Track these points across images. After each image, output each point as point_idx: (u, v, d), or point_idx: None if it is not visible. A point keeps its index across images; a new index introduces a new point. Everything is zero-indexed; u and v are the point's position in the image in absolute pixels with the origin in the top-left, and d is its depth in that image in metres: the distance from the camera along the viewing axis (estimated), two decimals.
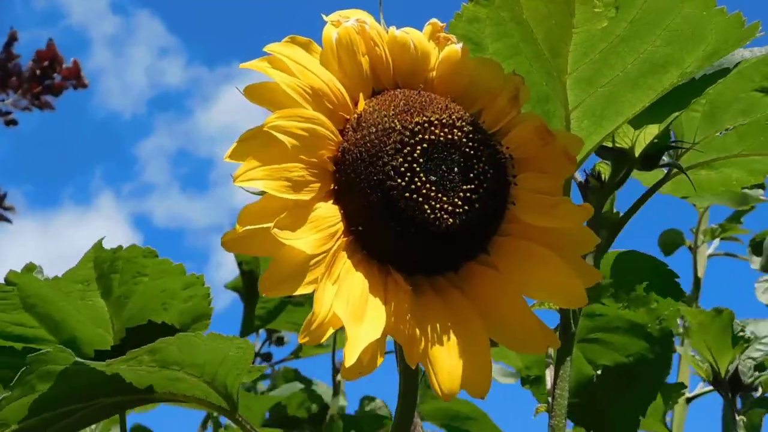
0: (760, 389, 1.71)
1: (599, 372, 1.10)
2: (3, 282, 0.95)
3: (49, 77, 6.11)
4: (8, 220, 6.20)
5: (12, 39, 6.11)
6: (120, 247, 0.93)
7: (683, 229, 2.52)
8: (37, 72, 6.09)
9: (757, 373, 1.69)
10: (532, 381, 1.23)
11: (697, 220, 2.49)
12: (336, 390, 2.35)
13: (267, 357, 2.66)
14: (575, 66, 0.80)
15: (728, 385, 1.69)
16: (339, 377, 2.37)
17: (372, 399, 2.44)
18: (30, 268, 0.93)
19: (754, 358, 1.72)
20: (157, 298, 0.93)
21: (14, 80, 6.00)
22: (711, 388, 1.79)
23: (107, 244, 0.92)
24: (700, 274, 2.44)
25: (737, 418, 1.67)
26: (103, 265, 0.92)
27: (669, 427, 1.84)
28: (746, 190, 2.29)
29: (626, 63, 0.79)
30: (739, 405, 1.71)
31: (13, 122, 6.14)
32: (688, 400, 2.26)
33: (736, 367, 1.68)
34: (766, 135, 0.92)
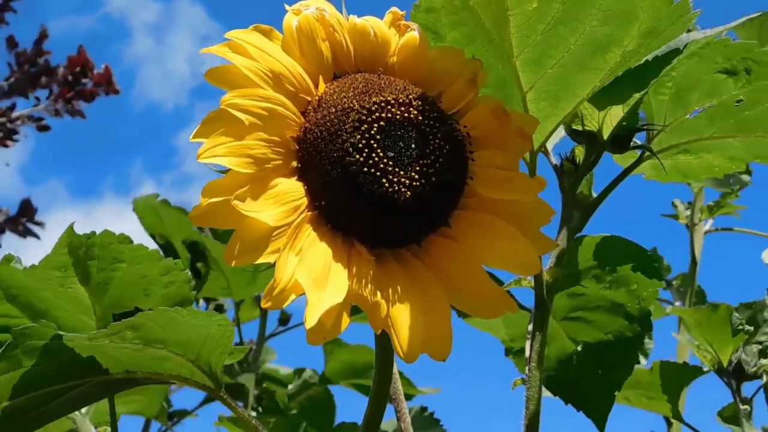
0: (765, 377, 1.73)
1: (579, 348, 1.13)
2: None
3: (80, 83, 6.17)
4: (36, 236, 6.26)
5: (42, 36, 6.16)
6: (93, 233, 0.95)
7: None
8: (69, 78, 6.15)
9: (762, 362, 1.71)
10: (515, 352, 1.28)
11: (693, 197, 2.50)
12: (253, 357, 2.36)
13: None
14: (521, 48, 0.83)
15: (732, 375, 1.71)
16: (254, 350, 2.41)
17: (302, 370, 2.49)
18: (8, 258, 0.96)
19: (760, 342, 1.74)
20: (137, 284, 0.96)
21: (44, 79, 6.06)
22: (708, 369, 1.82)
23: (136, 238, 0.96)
24: (697, 253, 2.45)
25: (741, 407, 1.69)
26: (78, 251, 0.95)
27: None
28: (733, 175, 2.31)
29: (569, 43, 0.83)
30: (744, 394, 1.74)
31: (46, 128, 6.20)
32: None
33: (739, 358, 1.70)
34: (736, 117, 0.96)
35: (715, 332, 1.67)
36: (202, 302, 2.46)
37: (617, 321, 1.13)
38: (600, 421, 1.15)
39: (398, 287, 0.76)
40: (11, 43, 6.15)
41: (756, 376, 1.72)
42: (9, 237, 6.22)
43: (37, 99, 6.13)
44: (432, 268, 0.79)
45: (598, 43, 0.83)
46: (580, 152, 1.02)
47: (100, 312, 0.97)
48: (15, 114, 6.04)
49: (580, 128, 1.00)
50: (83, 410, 1.07)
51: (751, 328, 1.71)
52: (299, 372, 2.47)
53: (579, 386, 1.14)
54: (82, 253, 0.95)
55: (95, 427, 1.07)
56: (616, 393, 1.12)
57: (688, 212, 2.47)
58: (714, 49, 0.96)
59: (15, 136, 6.05)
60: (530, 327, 1.19)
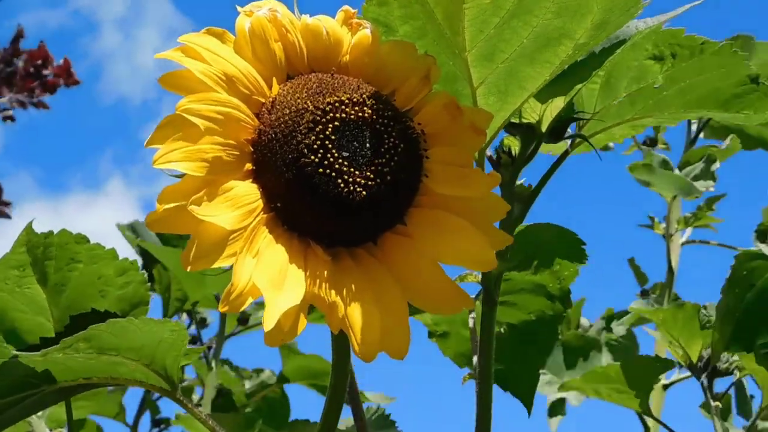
0: (737, 374, 1.76)
1: (503, 330, 1.15)
2: None
3: (41, 76, 6.23)
4: (8, 216, 6.22)
5: (19, 35, 6.16)
6: (51, 232, 0.95)
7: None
8: (31, 70, 6.21)
9: (733, 358, 1.73)
10: (439, 335, 1.32)
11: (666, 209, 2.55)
12: (210, 367, 2.38)
13: (193, 340, 2.67)
14: (473, 43, 0.84)
15: (702, 371, 1.74)
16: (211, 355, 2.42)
17: (261, 370, 2.50)
18: None
19: None
20: (93, 285, 0.95)
21: (18, 74, 6.10)
22: (689, 373, 1.85)
23: (107, 230, 0.95)
24: (674, 263, 2.50)
25: (713, 404, 1.72)
26: (37, 251, 0.94)
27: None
28: (694, 183, 2.35)
29: (522, 37, 0.83)
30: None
31: (11, 118, 6.25)
32: (665, 387, 2.31)
33: (709, 354, 1.72)
34: (655, 98, 0.97)
35: (682, 329, 1.69)
36: (185, 316, 2.47)
37: (539, 301, 1.15)
38: (527, 399, 1.18)
39: (354, 286, 0.77)
40: None
41: (728, 372, 1.74)
42: None
43: (6, 90, 6.16)
44: (388, 265, 0.80)
45: (550, 36, 0.84)
46: (513, 144, 1.03)
47: (57, 314, 0.97)
48: None
49: (517, 121, 1.01)
50: (39, 413, 1.07)
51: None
52: (258, 372, 2.47)
53: (505, 366, 1.16)
54: (40, 253, 0.94)
55: (50, 430, 1.06)
56: (540, 371, 1.16)
57: (664, 224, 2.52)
58: (646, 37, 0.96)
59: None
60: (471, 318, 1.21)
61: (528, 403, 1.17)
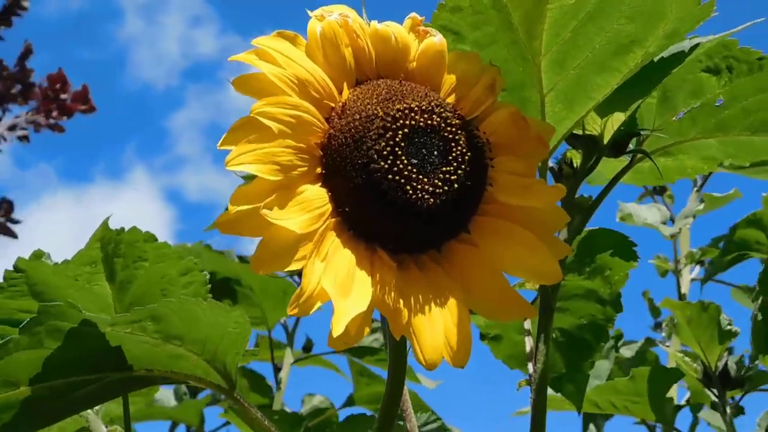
0: (746, 384, 1.74)
1: (555, 335, 1.16)
2: (12, 269, 0.99)
3: (59, 99, 6.30)
4: (14, 236, 6.28)
5: (27, 52, 6.22)
6: (122, 229, 0.96)
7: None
8: (49, 93, 6.28)
9: (746, 366, 1.71)
10: (491, 338, 1.33)
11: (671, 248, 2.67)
12: (278, 385, 2.42)
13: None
14: (549, 47, 0.84)
15: (719, 381, 1.72)
16: (280, 375, 2.45)
17: (312, 395, 2.51)
18: (38, 254, 0.97)
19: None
20: (157, 283, 0.96)
21: (36, 92, 6.17)
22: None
23: (122, 221, 0.96)
24: (684, 296, 2.60)
25: (728, 412, 1.70)
26: (108, 247, 0.95)
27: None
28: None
29: (594, 43, 0.83)
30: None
31: (26, 138, 6.32)
32: (677, 408, 2.32)
33: (725, 363, 1.71)
34: (716, 117, 0.97)
35: (704, 332, 1.68)
36: None
37: (591, 306, 1.16)
38: (577, 400, 1.20)
39: (419, 293, 0.77)
40: None
41: (742, 384, 1.72)
42: None
43: (24, 105, 6.26)
44: (451, 273, 0.80)
45: (621, 43, 0.84)
46: (575, 156, 1.03)
47: (120, 311, 0.98)
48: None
49: (580, 132, 1.01)
50: (96, 408, 1.08)
51: (739, 329, 1.71)
52: (310, 397, 2.49)
53: (556, 369, 1.16)
54: (111, 250, 0.95)
55: (106, 427, 1.08)
56: (590, 372, 1.16)
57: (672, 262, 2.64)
58: (700, 49, 0.96)
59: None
60: (527, 322, 1.21)
61: (578, 405, 1.18)
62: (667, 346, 2.44)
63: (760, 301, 1.43)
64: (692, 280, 2.62)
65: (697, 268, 2.66)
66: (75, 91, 6.35)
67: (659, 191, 2.77)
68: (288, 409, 2.39)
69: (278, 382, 2.44)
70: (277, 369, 2.47)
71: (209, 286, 0.98)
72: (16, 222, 6.23)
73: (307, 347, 2.57)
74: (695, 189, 2.64)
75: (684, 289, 2.58)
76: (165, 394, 2.40)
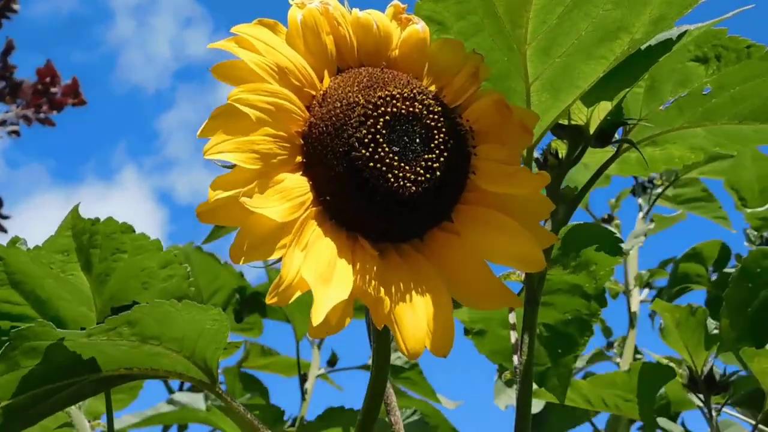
0: (730, 389, 1.73)
1: (539, 330, 1.15)
2: None
3: (49, 93, 6.28)
4: (3, 230, 6.25)
5: (9, 48, 6.19)
6: (98, 219, 0.95)
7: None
8: (39, 87, 6.25)
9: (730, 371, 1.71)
10: (475, 333, 1.33)
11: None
12: (303, 396, 2.43)
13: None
14: (534, 35, 0.83)
15: (704, 385, 1.71)
16: (306, 386, 2.46)
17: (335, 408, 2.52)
18: (14, 240, 0.95)
19: None
20: (136, 276, 0.95)
21: (25, 89, 6.15)
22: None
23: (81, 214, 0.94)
24: (634, 318, 2.63)
25: (714, 416, 1.69)
26: (83, 237, 0.94)
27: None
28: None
29: (580, 30, 0.82)
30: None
31: (16, 133, 6.29)
32: None
33: (711, 367, 1.70)
34: (703, 106, 0.96)
35: (692, 335, 1.67)
36: None
37: (575, 301, 1.15)
38: (561, 393, 1.19)
39: (401, 282, 0.76)
40: None
41: (726, 387, 1.72)
42: None
43: (12, 103, 6.24)
44: (434, 262, 0.79)
45: (608, 30, 0.83)
46: (560, 147, 1.02)
47: (100, 304, 0.96)
48: None
49: (565, 122, 1.00)
50: (78, 404, 1.07)
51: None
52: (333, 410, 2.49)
53: (539, 364, 1.16)
54: (86, 240, 0.94)
55: (89, 421, 1.06)
56: (573, 367, 1.15)
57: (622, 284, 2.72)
58: (688, 37, 0.95)
59: None
60: (512, 317, 1.21)
61: (561, 398, 1.17)
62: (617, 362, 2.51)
63: None
64: (641, 301, 2.69)
65: (646, 290, 2.75)
66: (65, 84, 6.35)
67: (607, 220, 2.86)
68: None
69: (303, 393, 2.44)
70: (303, 379, 2.48)
71: (190, 279, 0.97)
72: (5, 217, 6.22)
73: (332, 361, 2.57)
74: (641, 215, 2.71)
75: (634, 308, 2.64)
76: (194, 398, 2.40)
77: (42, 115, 6.24)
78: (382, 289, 0.74)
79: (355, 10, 0.81)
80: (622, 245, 1.07)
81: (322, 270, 0.71)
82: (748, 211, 2.10)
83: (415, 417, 1.56)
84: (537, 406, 2.24)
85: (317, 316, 0.69)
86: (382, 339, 0.85)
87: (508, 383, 2.15)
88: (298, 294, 0.71)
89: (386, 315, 0.74)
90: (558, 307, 1.15)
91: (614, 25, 0.82)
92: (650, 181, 2.68)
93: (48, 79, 6.22)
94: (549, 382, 1.16)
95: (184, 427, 2.68)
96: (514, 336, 1.12)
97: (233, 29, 0.75)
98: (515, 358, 1.01)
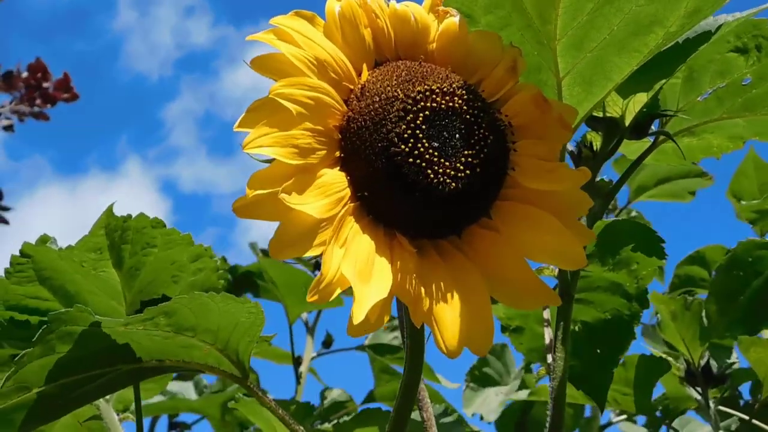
0: (727, 381, 1.72)
1: (578, 328, 1.14)
2: (18, 254, 0.97)
3: (40, 88, 6.32)
4: (5, 221, 6.27)
5: None
6: (129, 215, 0.94)
7: None
8: (32, 82, 6.30)
9: (727, 362, 1.70)
10: (512, 330, 1.32)
11: None
12: (298, 380, 2.43)
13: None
14: (564, 31, 0.82)
15: (702, 378, 1.70)
16: (300, 369, 2.46)
17: (331, 389, 2.51)
18: (44, 239, 0.95)
19: None
20: (166, 270, 0.94)
21: (16, 79, 6.17)
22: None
23: (119, 211, 0.94)
24: None
25: (712, 407, 1.69)
26: (115, 234, 0.93)
27: None
28: None
29: (612, 24, 0.81)
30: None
31: (11, 128, 6.33)
32: (602, 428, 2.36)
33: (708, 360, 1.70)
34: (743, 96, 0.95)
35: (689, 327, 1.66)
36: None
37: (616, 300, 1.13)
38: (600, 398, 1.16)
39: (440, 280, 0.75)
40: None
41: (723, 379, 1.71)
42: None
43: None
44: (472, 259, 0.78)
45: (641, 23, 0.81)
46: (595, 139, 1.01)
47: (129, 298, 0.96)
48: None
49: (600, 115, 0.99)
50: (107, 397, 1.06)
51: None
52: (328, 390, 2.49)
53: (578, 365, 1.14)
54: (118, 237, 0.93)
55: (118, 414, 1.06)
56: (613, 370, 1.13)
57: None
58: (726, 28, 0.93)
59: None
60: (546, 313, 1.19)
61: (601, 402, 1.15)
62: None
63: None
64: None
65: None
66: (57, 79, 6.38)
67: None
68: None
69: (298, 377, 2.43)
70: (297, 363, 2.47)
71: (220, 272, 0.96)
72: (6, 209, 6.24)
73: (327, 342, 2.57)
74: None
75: None
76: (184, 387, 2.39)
77: (36, 109, 6.27)
78: (421, 287, 0.73)
79: (393, 2, 0.80)
80: (663, 245, 1.05)
81: (361, 267, 0.70)
82: (743, 203, 2.08)
83: (451, 418, 1.55)
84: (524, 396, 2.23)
85: (359, 314, 0.68)
86: (416, 337, 0.84)
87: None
88: (338, 291, 0.70)
89: (425, 313, 0.73)
90: (597, 306, 1.13)
91: (648, 19, 0.81)
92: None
93: (39, 75, 6.26)
94: (587, 386, 1.14)
95: (174, 416, 2.68)
96: (548, 333, 1.10)
97: (272, 20, 0.73)
98: (549, 356, 1.00)
